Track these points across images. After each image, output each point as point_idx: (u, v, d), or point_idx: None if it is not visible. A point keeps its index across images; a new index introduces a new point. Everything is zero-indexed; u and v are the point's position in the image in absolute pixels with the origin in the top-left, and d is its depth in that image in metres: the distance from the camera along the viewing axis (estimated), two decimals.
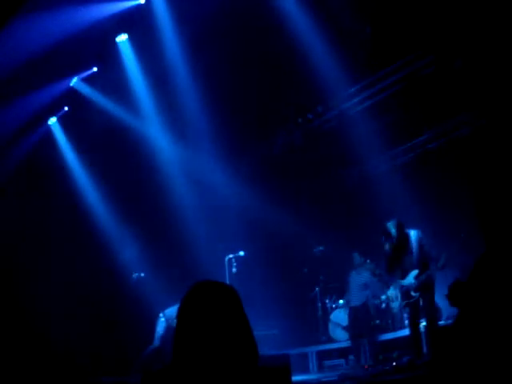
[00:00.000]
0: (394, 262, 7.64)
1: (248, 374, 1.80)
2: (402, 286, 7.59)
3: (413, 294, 7.45)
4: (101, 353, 11.14)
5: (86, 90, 11.87)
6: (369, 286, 9.71)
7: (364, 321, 9.36)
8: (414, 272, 7.44)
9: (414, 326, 7.48)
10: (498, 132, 8.72)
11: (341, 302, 10.26)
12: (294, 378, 7.39)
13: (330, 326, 10.02)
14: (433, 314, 7.22)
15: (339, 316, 9.93)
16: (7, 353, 10.08)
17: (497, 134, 8.73)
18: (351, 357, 9.48)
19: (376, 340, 9.20)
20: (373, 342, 9.16)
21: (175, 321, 1.92)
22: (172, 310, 9.83)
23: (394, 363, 7.77)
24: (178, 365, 1.80)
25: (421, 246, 7.48)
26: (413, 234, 7.58)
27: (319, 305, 10.64)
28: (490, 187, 8.83)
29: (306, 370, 9.79)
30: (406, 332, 9.09)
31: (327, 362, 9.99)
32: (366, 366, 8.64)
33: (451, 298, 2.81)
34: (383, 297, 9.80)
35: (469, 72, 8.74)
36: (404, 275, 7.56)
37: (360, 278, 9.74)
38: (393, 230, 7.62)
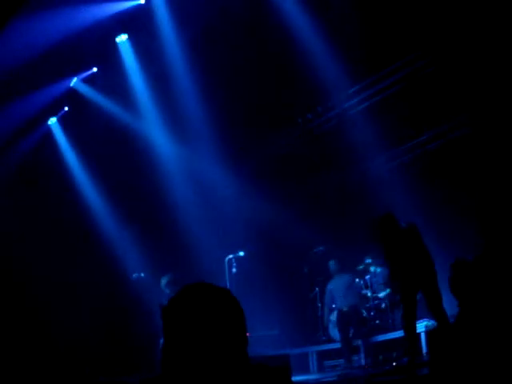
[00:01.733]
0: None
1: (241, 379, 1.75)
2: None
3: None
4: (101, 352, 11.14)
5: (85, 90, 11.87)
6: (354, 288, 9.77)
7: (354, 324, 9.37)
8: None
9: (403, 325, 7.24)
10: (497, 132, 8.72)
11: None
12: (294, 378, 7.38)
13: (330, 326, 10.02)
14: (440, 314, 6.92)
15: None
16: (8, 351, 10.08)
17: (496, 135, 8.73)
18: (353, 357, 9.48)
19: (371, 341, 9.20)
20: (367, 343, 9.17)
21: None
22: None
23: (394, 363, 7.76)
24: (169, 373, 1.74)
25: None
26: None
27: (319, 305, 10.62)
28: (489, 187, 8.83)
29: (306, 370, 9.78)
30: None
31: (327, 362, 9.98)
32: (366, 366, 8.64)
33: (453, 284, 2.77)
34: (381, 294, 9.79)
35: (469, 72, 8.73)
36: None
37: (343, 282, 9.77)
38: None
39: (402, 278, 7.17)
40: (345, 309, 9.53)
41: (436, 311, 6.84)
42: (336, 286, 9.87)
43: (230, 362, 1.73)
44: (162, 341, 9.65)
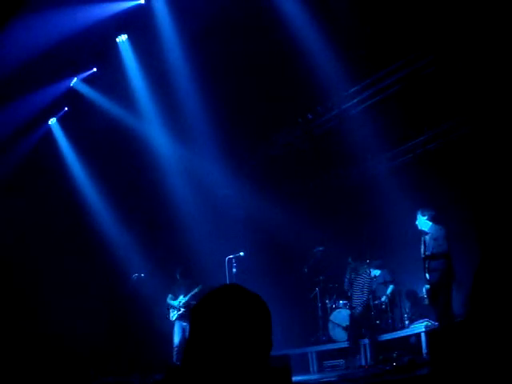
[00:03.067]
0: None
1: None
2: None
3: None
4: (101, 352, 11.14)
5: (85, 90, 11.87)
6: (368, 288, 9.73)
7: (364, 322, 9.35)
8: None
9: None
10: (497, 132, 8.72)
11: (341, 302, 10.24)
12: (294, 379, 7.39)
13: (330, 326, 10.01)
14: (443, 317, 7.03)
15: (339, 316, 9.92)
16: (10, 352, 10.08)
17: (496, 135, 8.73)
18: (351, 357, 9.46)
19: (376, 340, 9.18)
20: (374, 342, 9.14)
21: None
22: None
23: (395, 363, 7.76)
24: (188, 371, 1.72)
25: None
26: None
27: (319, 305, 10.63)
28: (489, 187, 8.83)
29: (306, 371, 9.78)
30: (406, 332, 9.10)
31: (327, 363, 9.97)
32: (366, 366, 8.64)
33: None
34: (383, 298, 9.81)
35: (469, 72, 8.73)
36: None
37: (359, 279, 9.74)
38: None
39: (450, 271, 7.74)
40: (360, 307, 9.46)
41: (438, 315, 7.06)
42: (354, 281, 9.72)
43: (252, 366, 1.71)
44: (176, 340, 9.81)
